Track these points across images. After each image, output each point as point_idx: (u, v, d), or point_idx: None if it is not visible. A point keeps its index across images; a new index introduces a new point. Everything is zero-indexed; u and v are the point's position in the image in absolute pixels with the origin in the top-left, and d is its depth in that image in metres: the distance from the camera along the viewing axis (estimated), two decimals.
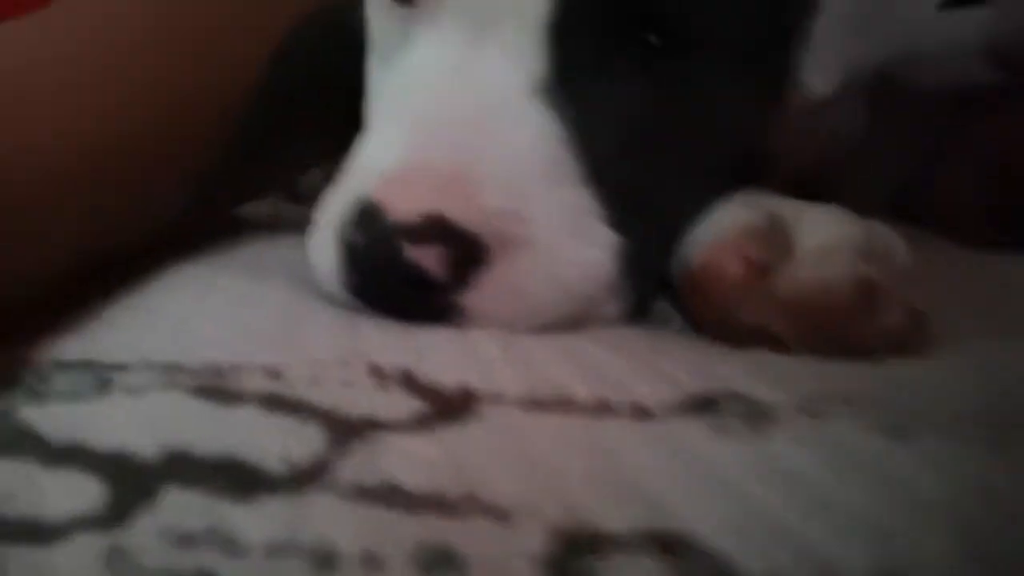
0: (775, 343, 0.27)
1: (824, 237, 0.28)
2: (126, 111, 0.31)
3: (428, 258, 0.25)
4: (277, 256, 0.34)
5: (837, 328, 0.27)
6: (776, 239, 0.28)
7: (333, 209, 0.28)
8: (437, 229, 0.25)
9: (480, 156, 0.26)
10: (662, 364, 0.25)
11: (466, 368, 0.25)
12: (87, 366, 0.24)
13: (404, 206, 0.25)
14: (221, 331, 0.26)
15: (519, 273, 0.26)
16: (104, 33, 0.32)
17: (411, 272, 0.25)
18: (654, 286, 0.30)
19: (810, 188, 0.32)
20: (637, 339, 0.28)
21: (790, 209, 0.29)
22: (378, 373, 0.24)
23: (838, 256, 0.27)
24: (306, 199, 0.46)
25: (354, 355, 0.25)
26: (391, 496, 0.18)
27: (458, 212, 0.25)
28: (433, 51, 0.28)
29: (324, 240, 0.28)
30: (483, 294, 0.26)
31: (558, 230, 0.27)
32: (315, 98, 0.38)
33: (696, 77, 0.28)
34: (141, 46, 0.33)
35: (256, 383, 0.23)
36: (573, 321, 0.28)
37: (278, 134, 0.37)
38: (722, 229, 0.28)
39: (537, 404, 0.23)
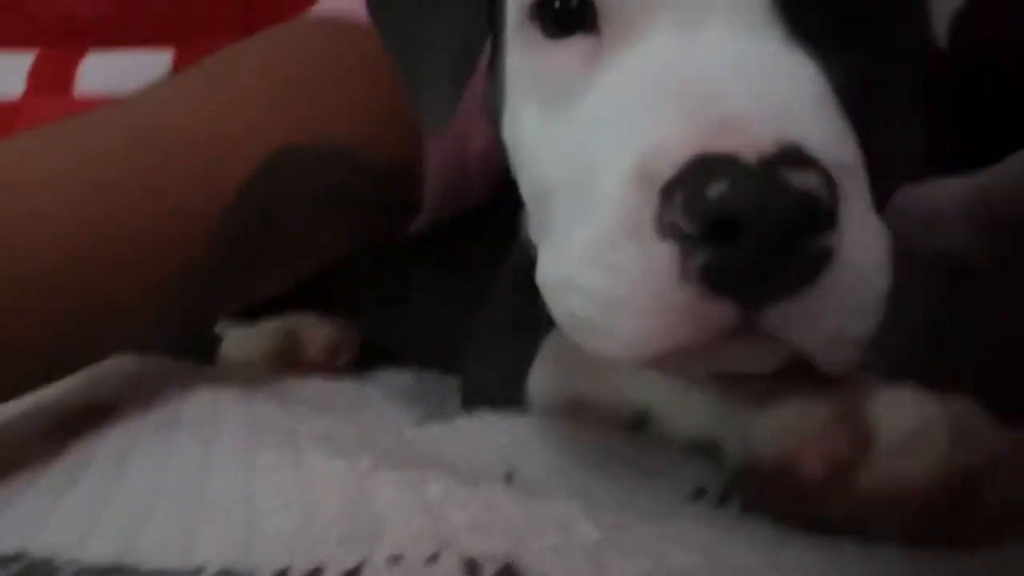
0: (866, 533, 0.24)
1: (908, 422, 0.24)
2: (103, 225, 0.33)
3: (812, 182, 0.20)
4: (305, 421, 0.31)
5: (934, 520, 0.24)
6: (856, 428, 0.25)
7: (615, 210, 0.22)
8: (803, 156, 0.21)
9: (785, 100, 0.22)
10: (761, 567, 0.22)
11: (571, 558, 0.21)
12: (119, 572, 0.20)
13: (754, 142, 0.20)
14: (285, 524, 0.22)
15: (862, 211, 0.22)
16: (89, 155, 0.35)
17: (800, 203, 0.20)
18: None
19: None
20: (741, 531, 0.25)
21: (862, 391, 0.25)
22: (475, 570, 0.20)
23: (926, 443, 0.23)
24: None
25: (441, 544, 0.21)
26: None
27: (807, 142, 0.21)
28: (647, 51, 0.25)
29: (613, 253, 0.22)
30: (848, 232, 0.21)
31: (864, 189, 0.23)
32: (285, 224, 0.39)
33: (894, 46, 0.26)
34: (119, 172, 0.34)
35: None
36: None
37: (249, 255, 0.38)
38: (797, 421, 0.25)
39: None
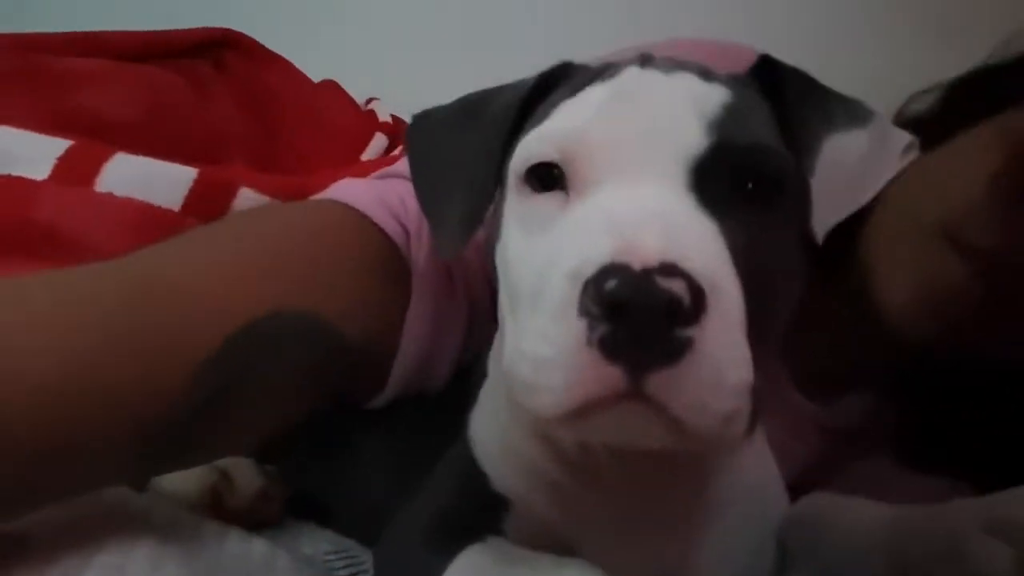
0: None
1: None
2: (75, 366, 0.35)
3: (678, 287, 0.29)
4: None
5: None
6: None
7: (551, 306, 0.31)
8: (676, 270, 0.29)
9: (677, 236, 0.31)
10: None
11: None
12: None
13: (644, 257, 0.30)
14: None
15: (726, 325, 0.30)
16: (77, 298, 0.37)
17: (664, 299, 0.29)
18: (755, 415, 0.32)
19: None
20: None
21: None
22: None
23: None
24: None
25: None
26: None
27: (684, 263, 0.30)
28: (594, 202, 0.34)
29: (550, 328, 0.31)
30: (708, 331, 0.29)
31: (735, 314, 0.31)
32: (259, 385, 0.41)
33: (777, 218, 0.35)
34: (103, 317, 0.37)
35: None
36: (729, 420, 0.30)
37: (218, 412, 0.40)
38: None
39: None
